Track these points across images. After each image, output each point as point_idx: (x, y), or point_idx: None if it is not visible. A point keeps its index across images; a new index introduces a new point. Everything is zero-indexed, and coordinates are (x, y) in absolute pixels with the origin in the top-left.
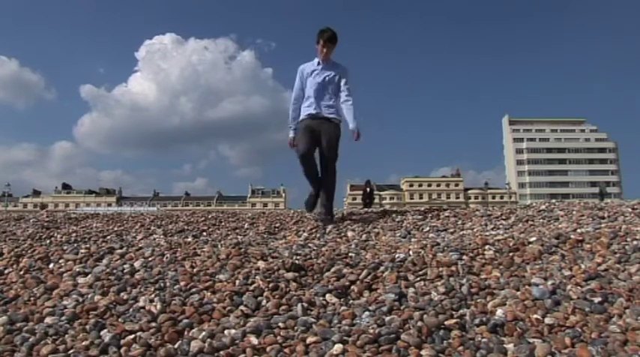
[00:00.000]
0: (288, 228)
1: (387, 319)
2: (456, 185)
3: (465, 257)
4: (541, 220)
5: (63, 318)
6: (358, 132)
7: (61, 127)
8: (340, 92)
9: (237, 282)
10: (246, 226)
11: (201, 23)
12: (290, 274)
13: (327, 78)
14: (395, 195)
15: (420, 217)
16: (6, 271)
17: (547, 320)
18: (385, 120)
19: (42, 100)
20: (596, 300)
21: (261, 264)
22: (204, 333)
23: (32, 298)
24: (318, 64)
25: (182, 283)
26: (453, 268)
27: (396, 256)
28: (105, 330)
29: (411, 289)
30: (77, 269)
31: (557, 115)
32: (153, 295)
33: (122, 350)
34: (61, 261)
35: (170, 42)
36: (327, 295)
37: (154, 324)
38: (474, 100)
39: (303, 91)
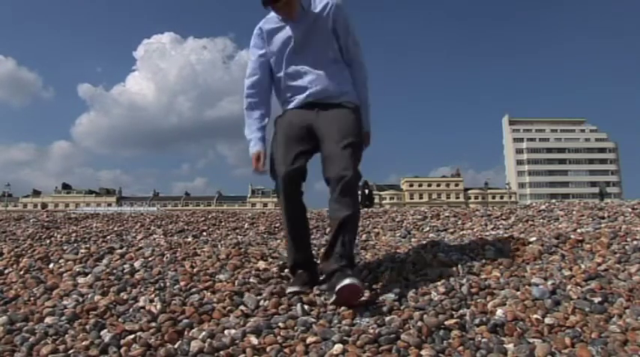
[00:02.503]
0: None
1: (387, 319)
2: (456, 185)
3: (465, 257)
4: (541, 220)
5: (63, 318)
6: (368, 134)
7: (59, 126)
8: (345, 52)
9: (237, 282)
10: (246, 226)
11: (199, 22)
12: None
13: (311, 32)
14: (395, 195)
15: (420, 217)
16: (6, 271)
17: (547, 320)
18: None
19: (40, 99)
20: (596, 300)
21: (261, 264)
22: (204, 333)
23: (32, 298)
24: (283, 20)
25: (182, 283)
26: (453, 268)
27: (396, 256)
28: (105, 330)
29: (411, 289)
30: (77, 269)
31: (557, 115)
32: (153, 295)
33: (122, 350)
34: (61, 261)
35: (169, 41)
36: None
37: (153, 324)
38: (474, 100)
39: (270, 66)
